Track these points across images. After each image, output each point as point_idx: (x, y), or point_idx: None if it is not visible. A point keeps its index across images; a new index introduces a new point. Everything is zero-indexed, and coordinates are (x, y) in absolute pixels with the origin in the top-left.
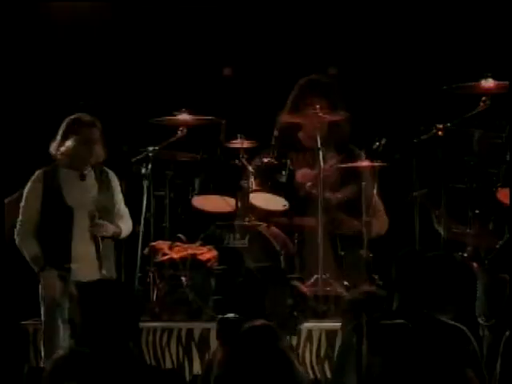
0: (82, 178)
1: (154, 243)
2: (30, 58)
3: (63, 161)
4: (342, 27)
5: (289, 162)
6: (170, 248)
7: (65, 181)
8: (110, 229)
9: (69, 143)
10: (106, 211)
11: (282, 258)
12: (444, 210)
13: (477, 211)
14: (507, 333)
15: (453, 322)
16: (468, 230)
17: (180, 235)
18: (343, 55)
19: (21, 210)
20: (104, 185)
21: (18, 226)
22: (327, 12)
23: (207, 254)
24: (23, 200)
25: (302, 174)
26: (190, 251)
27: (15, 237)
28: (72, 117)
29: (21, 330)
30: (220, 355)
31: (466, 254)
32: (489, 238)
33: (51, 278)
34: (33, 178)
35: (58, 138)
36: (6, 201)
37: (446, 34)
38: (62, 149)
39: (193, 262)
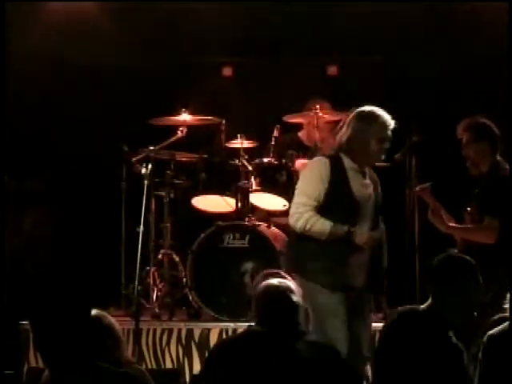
0: (364, 175)
1: None
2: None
3: (348, 152)
4: (342, 26)
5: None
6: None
7: (350, 173)
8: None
9: (362, 137)
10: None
11: (281, 257)
12: (440, 205)
13: (468, 209)
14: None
15: None
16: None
17: None
18: (344, 54)
19: (302, 192)
20: (376, 186)
21: (299, 209)
22: (327, 12)
23: None
24: (305, 183)
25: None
26: None
27: (297, 222)
28: (365, 110)
29: (20, 331)
30: None
31: (456, 250)
32: (479, 234)
33: None
34: (316, 162)
35: (354, 129)
36: None
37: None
38: (355, 142)
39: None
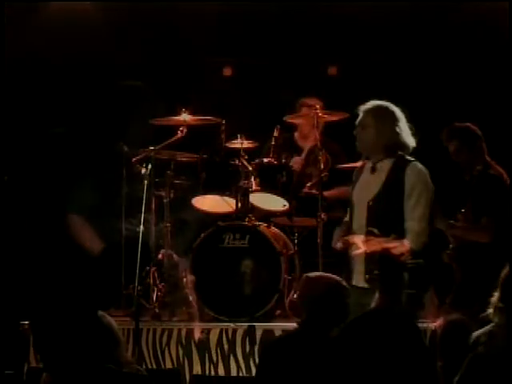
0: (373, 170)
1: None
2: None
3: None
4: (342, 26)
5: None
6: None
7: (364, 172)
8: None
9: None
10: (389, 212)
11: (281, 258)
12: (437, 205)
13: (462, 210)
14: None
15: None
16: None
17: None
18: (344, 54)
19: None
20: (393, 180)
21: None
22: (327, 12)
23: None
24: None
25: (294, 161)
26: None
27: None
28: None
29: (21, 331)
30: None
31: (448, 251)
32: (478, 233)
33: None
34: None
35: None
36: None
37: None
38: None
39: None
